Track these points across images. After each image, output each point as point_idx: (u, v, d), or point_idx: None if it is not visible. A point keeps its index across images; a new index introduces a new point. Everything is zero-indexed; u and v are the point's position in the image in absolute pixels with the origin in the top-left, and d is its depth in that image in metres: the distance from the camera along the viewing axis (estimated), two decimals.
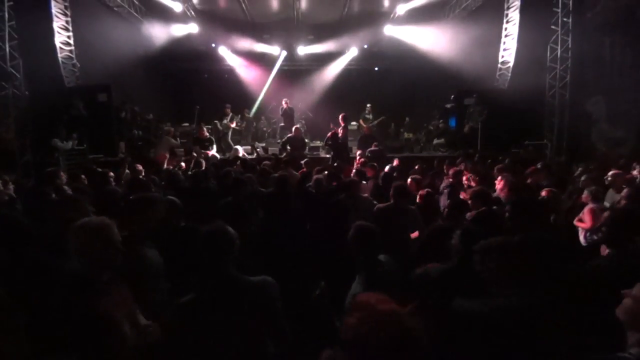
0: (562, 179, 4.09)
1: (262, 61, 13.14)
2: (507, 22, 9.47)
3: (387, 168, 5.55)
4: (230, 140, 9.52)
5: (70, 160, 7.52)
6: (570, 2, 8.77)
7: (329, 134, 7.62)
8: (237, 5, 11.09)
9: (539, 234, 2.00)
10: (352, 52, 13.04)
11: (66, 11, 8.83)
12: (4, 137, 7.33)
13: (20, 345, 1.11)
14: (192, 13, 11.68)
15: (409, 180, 4.01)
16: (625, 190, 3.02)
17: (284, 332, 1.58)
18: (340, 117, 7.86)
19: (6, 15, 8.21)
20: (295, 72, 13.44)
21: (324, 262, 2.64)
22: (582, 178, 3.40)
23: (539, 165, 4.28)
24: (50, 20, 8.40)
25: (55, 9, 8.47)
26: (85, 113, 8.33)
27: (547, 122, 9.31)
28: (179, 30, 11.77)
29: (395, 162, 6.20)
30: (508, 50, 9.41)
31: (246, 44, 12.69)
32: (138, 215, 2.00)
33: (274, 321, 1.55)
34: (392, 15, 11.81)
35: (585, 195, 3.29)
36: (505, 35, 9.51)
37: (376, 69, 13.76)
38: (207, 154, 7.81)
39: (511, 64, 9.24)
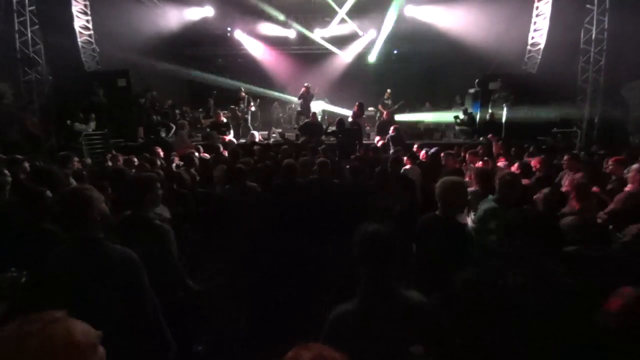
0: (597, 172, 3.83)
1: (278, 44, 12.88)
2: (539, 0, 8.89)
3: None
4: (250, 124, 9.49)
5: (93, 145, 7.67)
6: None
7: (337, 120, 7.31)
8: None
9: None
10: (370, 35, 12.60)
11: None
12: (29, 122, 7.49)
13: None
14: None
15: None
16: None
17: (143, 312, 1.50)
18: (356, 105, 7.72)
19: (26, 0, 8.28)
20: (312, 56, 13.13)
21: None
22: (627, 170, 3.14)
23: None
24: (69, 4, 8.42)
25: None
26: (105, 100, 8.42)
27: (578, 108, 8.83)
28: (195, 13, 11.62)
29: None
30: (539, 31, 8.87)
31: (262, 27, 12.44)
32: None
33: (131, 297, 1.47)
34: None
35: (629, 188, 2.97)
36: (537, 15, 8.94)
37: (395, 52, 13.28)
38: (224, 138, 7.82)
39: (542, 46, 8.72)
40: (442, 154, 4.88)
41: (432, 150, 5.32)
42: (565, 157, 3.99)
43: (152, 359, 1.58)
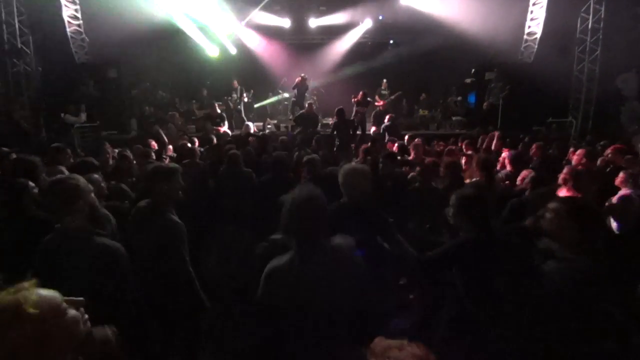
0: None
1: (272, 34, 12.68)
2: None
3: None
4: (244, 115, 9.39)
5: (85, 138, 7.55)
6: None
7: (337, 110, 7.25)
8: None
9: None
10: (366, 24, 12.44)
11: None
12: (17, 115, 7.34)
13: None
14: None
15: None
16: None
17: (122, 306, 1.49)
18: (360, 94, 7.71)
19: None
20: (306, 46, 12.95)
21: None
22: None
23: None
24: None
25: None
26: (96, 92, 8.26)
27: (573, 98, 8.83)
28: None
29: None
30: (535, 20, 8.79)
31: (255, 16, 12.21)
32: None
33: (109, 291, 1.46)
34: None
35: (621, 177, 2.95)
36: (533, 4, 8.85)
37: (391, 41, 13.14)
38: (219, 130, 7.74)
39: (538, 35, 8.65)
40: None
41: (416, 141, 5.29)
42: (579, 152, 3.71)
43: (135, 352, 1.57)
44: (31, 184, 2.04)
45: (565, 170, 2.74)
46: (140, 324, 1.57)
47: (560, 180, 2.72)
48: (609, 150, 3.59)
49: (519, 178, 3.15)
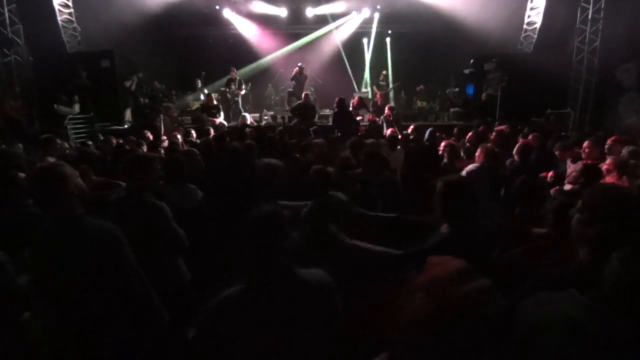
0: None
1: (268, 23, 12.48)
2: None
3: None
4: (240, 107, 9.28)
5: (78, 128, 7.44)
6: None
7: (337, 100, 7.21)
8: None
9: None
10: (364, 14, 12.26)
11: None
12: (9, 107, 7.20)
13: None
14: None
15: None
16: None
17: (127, 284, 1.48)
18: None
19: None
20: (303, 36, 12.77)
21: None
22: (624, 150, 3.16)
23: None
24: None
25: None
26: (89, 82, 8.11)
27: (572, 89, 8.77)
28: None
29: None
30: (535, 10, 8.67)
31: (251, 5, 11.98)
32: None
33: (113, 271, 1.46)
34: None
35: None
36: None
37: (389, 32, 12.97)
38: (215, 121, 7.65)
39: (538, 25, 8.54)
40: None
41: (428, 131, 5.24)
42: (586, 144, 3.59)
43: (145, 328, 1.59)
44: (22, 175, 2.01)
45: (608, 161, 2.75)
46: (147, 301, 1.57)
47: (604, 171, 2.74)
48: (609, 141, 3.56)
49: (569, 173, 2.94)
